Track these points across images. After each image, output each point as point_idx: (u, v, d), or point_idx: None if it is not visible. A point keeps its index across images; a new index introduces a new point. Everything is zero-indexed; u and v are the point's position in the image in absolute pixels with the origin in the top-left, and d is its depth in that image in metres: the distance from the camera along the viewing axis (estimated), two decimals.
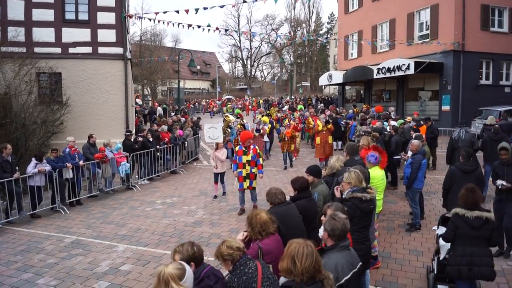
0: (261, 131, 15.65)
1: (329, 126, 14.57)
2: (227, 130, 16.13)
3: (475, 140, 10.68)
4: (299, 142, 16.87)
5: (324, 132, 14.40)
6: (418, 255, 6.94)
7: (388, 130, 12.80)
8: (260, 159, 9.54)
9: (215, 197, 11.23)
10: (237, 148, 10.00)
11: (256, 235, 4.11)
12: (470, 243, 4.77)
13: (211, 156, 11.82)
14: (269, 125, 16.77)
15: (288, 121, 16.42)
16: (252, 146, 9.60)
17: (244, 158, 9.44)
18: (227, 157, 12.60)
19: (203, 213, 9.83)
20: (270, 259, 3.97)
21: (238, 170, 9.51)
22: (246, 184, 9.48)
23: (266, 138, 16.48)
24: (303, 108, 24.32)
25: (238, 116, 19.85)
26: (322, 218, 4.23)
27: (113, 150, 12.60)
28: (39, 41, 15.29)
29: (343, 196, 5.04)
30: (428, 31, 22.44)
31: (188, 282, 2.96)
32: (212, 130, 11.99)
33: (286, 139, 14.68)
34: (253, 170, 9.47)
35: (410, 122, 14.14)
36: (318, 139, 14.55)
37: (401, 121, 14.17)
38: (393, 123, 13.18)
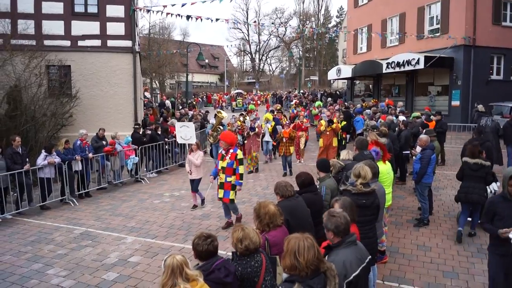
0: (256, 129, 13.74)
1: (334, 126, 12.63)
2: (219, 128, 14.36)
3: (499, 127, 12.71)
4: (304, 143, 14.51)
5: (327, 133, 12.69)
6: (426, 250, 6.92)
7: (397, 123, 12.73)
8: (240, 167, 7.97)
9: (194, 207, 9.82)
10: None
11: (264, 227, 4.13)
12: (470, 180, 7.23)
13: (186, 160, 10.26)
14: (272, 123, 14.58)
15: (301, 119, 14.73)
16: (232, 151, 8.03)
17: (220, 164, 8.11)
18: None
19: (211, 206, 9.86)
20: (277, 250, 3.98)
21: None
22: (220, 194, 8.12)
23: (268, 138, 14.39)
24: (321, 104, 22.18)
25: (248, 113, 16.65)
26: None
27: (121, 143, 12.67)
28: (49, 34, 15.35)
29: (340, 188, 5.14)
30: (439, 25, 22.19)
31: None
32: (184, 129, 10.75)
33: (284, 140, 12.75)
34: (229, 180, 7.98)
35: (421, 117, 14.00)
36: (321, 141, 12.97)
37: (416, 114, 14.04)
38: (401, 117, 13.09)
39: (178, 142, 11.76)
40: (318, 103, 22.75)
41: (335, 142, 12.75)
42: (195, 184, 9.64)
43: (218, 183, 8.15)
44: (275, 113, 16.66)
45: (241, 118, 14.82)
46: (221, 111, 15.78)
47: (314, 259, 2.96)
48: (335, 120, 13.01)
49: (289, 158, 12.90)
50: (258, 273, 3.55)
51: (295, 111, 18.30)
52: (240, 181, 8.08)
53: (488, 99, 18.97)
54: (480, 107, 16.16)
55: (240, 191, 10.65)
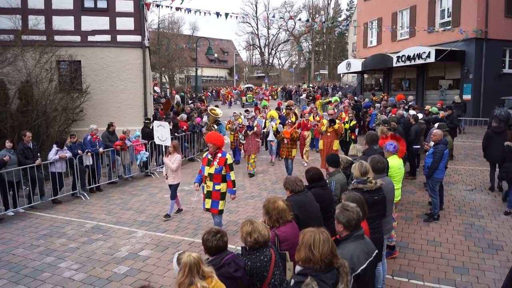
0: (255, 128, 12.46)
1: (336, 126, 11.14)
2: (213, 127, 13.18)
3: (510, 116, 14.35)
4: (310, 141, 13.19)
5: (328, 134, 11.23)
6: (436, 245, 6.89)
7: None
8: (231, 174, 7.02)
9: (178, 210, 9.12)
10: (203, 155, 7.51)
11: (273, 223, 4.13)
12: (510, 161, 8.40)
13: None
14: (277, 121, 12.66)
15: (314, 117, 13.24)
16: (220, 155, 7.01)
17: (207, 170, 7.08)
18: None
19: None
20: (287, 246, 3.99)
21: (202, 184, 7.27)
22: (207, 204, 7.15)
23: (272, 137, 13.19)
24: (338, 100, 19.65)
25: (255, 110, 15.54)
26: None
27: (131, 138, 12.75)
28: (59, 29, 15.44)
29: (349, 187, 5.05)
30: (450, 18, 21.95)
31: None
32: (160, 129, 10.04)
33: (286, 141, 11.32)
34: (217, 188, 7.01)
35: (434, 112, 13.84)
36: (320, 144, 11.56)
37: (435, 109, 13.89)
38: (412, 112, 12.97)
39: (156, 143, 11.09)
40: (335, 98, 20.42)
41: (336, 145, 11.25)
42: (172, 190, 8.78)
43: (205, 192, 7.16)
44: (284, 110, 14.83)
45: (242, 116, 13.76)
46: (215, 108, 14.07)
47: (329, 253, 2.98)
48: (323, 121, 11.68)
49: (290, 161, 11.42)
50: (268, 267, 3.56)
51: (307, 108, 16.29)
52: (234, 188, 7.16)
53: (500, 93, 18.76)
54: (456, 98, 18.21)
55: (249, 186, 10.59)
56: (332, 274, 2.98)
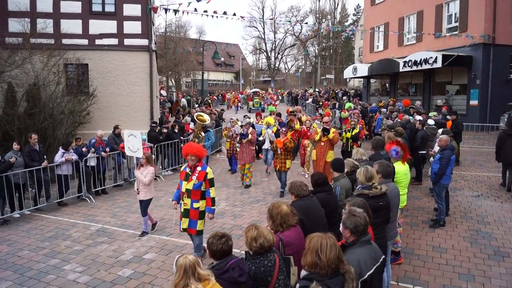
0: (250, 136, 11.35)
1: (331, 136, 10.03)
2: (200, 135, 12.12)
3: None
4: (311, 150, 11.53)
5: (322, 144, 10.18)
6: (442, 252, 6.84)
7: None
8: (211, 190, 6.31)
9: (153, 226, 8.26)
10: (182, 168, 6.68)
11: (277, 227, 4.12)
12: None
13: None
14: (274, 128, 12.46)
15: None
16: (200, 168, 6.29)
17: (184, 185, 6.36)
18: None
19: (225, 204, 9.89)
20: (292, 250, 3.99)
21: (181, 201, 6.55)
22: (184, 224, 6.39)
23: (268, 145, 12.24)
24: (352, 107, 18.81)
25: (257, 116, 15.21)
26: None
27: None
28: (67, 32, 15.56)
29: (354, 193, 5.02)
30: (457, 24, 21.86)
31: None
32: (131, 139, 9.07)
33: (279, 151, 10.25)
34: (196, 205, 6.28)
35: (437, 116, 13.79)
36: (314, 154, 10.42)
37: (433, 113, 13.83)
38: (418, 117, 12.90)
39: (127, 155, 10.11)
40: (348, 104, 19.44)
41: (330, 156, 9.89)
42: (143, 206, 7.89)
43: (182, 210, 6.45)
44: (288, 116, 14.05)
45: (239, 123, 12.89)
46: (203, 113, 12.86)
47: (336, 258, 2.98)
48: (318, 129, 10.54)
49: (284, 174, 10.43)
50: (272, 272, 3.56)
51: (317, 114, 16.01)
52: (213, 207, 6.41)
53: (508, 99, 18.66)
54: (440, 101, 18.75)
55: (254, 191, 10.41)
56: (337, 280, 2.97)
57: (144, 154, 8.24)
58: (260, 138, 13.10)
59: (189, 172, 6.32)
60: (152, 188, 8.02)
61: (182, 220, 6.42)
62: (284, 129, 10.72)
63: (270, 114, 15.94)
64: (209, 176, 6.29)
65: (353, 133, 11.19)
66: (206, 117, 12.40)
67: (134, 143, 9.00)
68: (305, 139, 12.13)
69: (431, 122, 11.95)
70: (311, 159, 10.78)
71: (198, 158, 6.32)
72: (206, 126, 12.48)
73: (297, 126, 12.13)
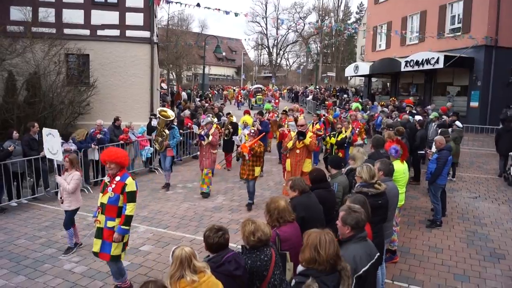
0: (211, 137, 9.75)
1: (307, 141, 8.32)
2: (164, 133, 10.63)
3: None
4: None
5: (297, 151, 8.46)
6: (438, 252, 6.85)
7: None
8: (128, 206, 5.06)
9: (75, 244, 6.93)
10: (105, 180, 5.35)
11: (274, 222, 4.13)
12: None
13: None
14: (251, 128, 10.18)
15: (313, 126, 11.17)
16: (119, 178, 5.09)
17: (99, 198, 5.24)
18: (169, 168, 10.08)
19: (223, 199, 9.89)
20: (288, 246, 3.99)
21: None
22: (96, 246, 5.18)
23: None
24: (360, 107, 17.43)
25: (259, 114, 13.66)
26: None
27: (135, 133, 12.77)
28: (69, 22, 15.55)
29: (353, 191, 5.02)
30: (460, 25, 21.80)
31: None
32: (50, 139, 7.76)
33: (247, 157, 8.66)
34: (111, 224, 5.06)
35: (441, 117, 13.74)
36: (288, 164, 8.65)
37: (436, 114, 13.78)
38: (418, 117, 12.91)
39: (46, 157, 8.79)
40: (355, 105, 17.78)
41: (307, 166, 8.43)
42: (67, 218, 6.76)
43: (95, 227, 5.31)
44: (280, 115, 12.85)
45: (215, 119, 11.79)
46: (167, 109, 11.56)
47: (334, 254, 2.99)
48: (309, 134, 8.67)
49: (251, 183, 9.00)
50: (268, 267, 3.56)
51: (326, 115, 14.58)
52: (125, 227, 5.09)
53: (508, 101, 18.64)
54: (432, 106, 18.17)
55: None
56: (334, 277, 2.99)
57: (68, 156, 6.96)
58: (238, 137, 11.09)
59: (107, 183, 5.16)
60: (78, 197, 6.87)
61: (94, 241, 5.22)
62: (252, 131, 9.38)
63: (268, 112, 15.64)
64: (128, 189, 5.06)
65: (339, 138, 10.02)
66: (170, 112, 11.12)
67: (53, 144, 7.68)
68: (285, 143, 9.24)
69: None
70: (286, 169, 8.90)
71: (120, 166, 5.14)
72: (171, 123, 10.95)
73: (286, 126, 10.91)
